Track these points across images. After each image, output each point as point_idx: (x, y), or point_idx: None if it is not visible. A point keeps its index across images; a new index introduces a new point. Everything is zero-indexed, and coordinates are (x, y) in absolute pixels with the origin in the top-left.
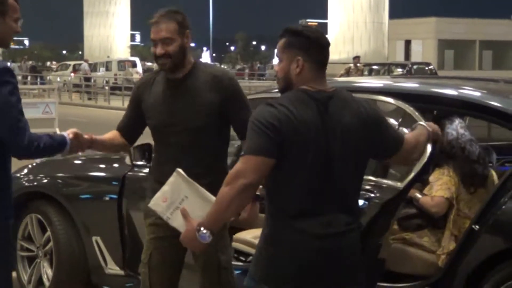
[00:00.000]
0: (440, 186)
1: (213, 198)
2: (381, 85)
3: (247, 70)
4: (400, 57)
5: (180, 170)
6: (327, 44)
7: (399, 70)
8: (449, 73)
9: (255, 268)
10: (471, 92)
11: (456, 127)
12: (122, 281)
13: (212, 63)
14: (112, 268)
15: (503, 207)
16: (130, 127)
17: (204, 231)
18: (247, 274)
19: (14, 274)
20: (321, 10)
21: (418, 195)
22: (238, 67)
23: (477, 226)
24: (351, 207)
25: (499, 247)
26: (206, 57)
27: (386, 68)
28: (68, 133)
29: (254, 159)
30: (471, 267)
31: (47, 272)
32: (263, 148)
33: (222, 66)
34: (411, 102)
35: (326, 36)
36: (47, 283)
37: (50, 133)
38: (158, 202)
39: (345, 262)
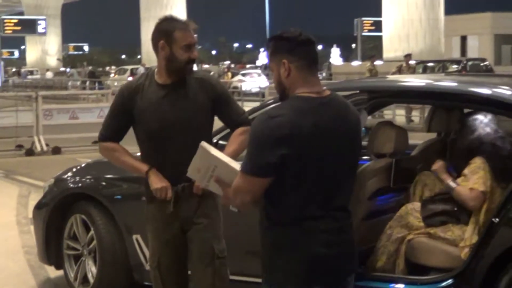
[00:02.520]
0: (478, 180)
1: (237, 166)
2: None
3: None
4: (456, 54)
5: (203, 143)
6: (309, 42)
7: (454, 66)
8: (506, 69)
9: (272, 275)
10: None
11: (477, 126)
12: None
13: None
14: None
15: None
16: (121, 134)
17: (234, 208)
18: (264, 283)
19: (61, 272)
20: (376, 8)
21: (452, 184)
22: None
23: (497, 219)
24: (347, 204)
25: None
26: (262, 58)
27: (440, 65)
28: None
29: (251, 180)
30: (491, 259)
31: (92, 269)
32: (260, 169)
33: None
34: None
35: (309, 34)
36: (91, 280)
37: None
38: (193, 173)
39: (347, 251)
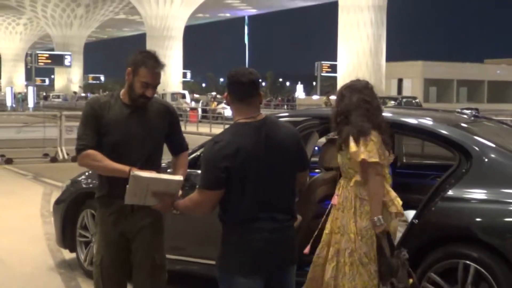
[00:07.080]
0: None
1: (166, 176)
2: None
3: (273, 102)
4: (394, 92)
5: (133, 172)
6: (239, 82)
7: (392, 102)
8: (432, 105)
9: (223, 263)
10: (425, 121)
11: None
12: None
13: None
14: None
15: (433, 208)
16: (99, 143)
17: (175, 211)
18: (217, 268)
19: (74, 254)
20: (333, 54)
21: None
22: (267, 98)
23: (416, 221)
24: (289, 207)
25: (433, 237)
26: None
27: (381, 101)
28: None
29: (208, 193)
30: (411, 253)
31: None
32: (212, 184)
33: None
34: None
35: (248, 77)
36: None
37: None
38: (131, 199)
39: (286, 247)
